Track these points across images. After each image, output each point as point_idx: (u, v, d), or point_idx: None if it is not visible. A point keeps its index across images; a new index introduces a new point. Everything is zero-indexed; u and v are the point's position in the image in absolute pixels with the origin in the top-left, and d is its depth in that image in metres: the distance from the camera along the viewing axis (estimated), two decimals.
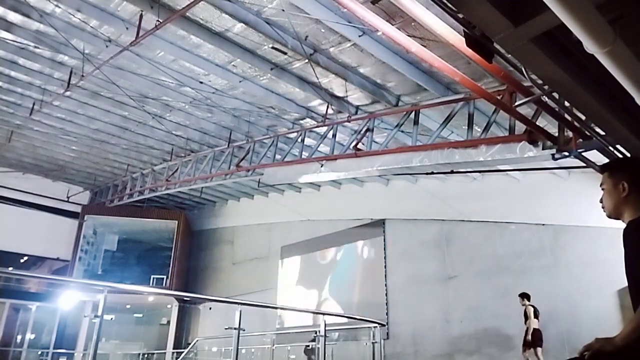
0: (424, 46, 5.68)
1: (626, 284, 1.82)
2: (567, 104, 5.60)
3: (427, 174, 9.91)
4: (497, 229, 11.73)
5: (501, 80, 5.64)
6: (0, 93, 11.44)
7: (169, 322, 18.75)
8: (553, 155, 6.81)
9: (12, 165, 16.91)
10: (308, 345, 12.19)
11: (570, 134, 6.48)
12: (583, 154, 6.55)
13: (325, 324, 6.01)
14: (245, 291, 16.65)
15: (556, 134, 6.75)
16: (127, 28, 8.09)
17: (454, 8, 3.23)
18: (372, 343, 7.00)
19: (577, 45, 3.24)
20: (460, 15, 3.38)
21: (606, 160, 4.81)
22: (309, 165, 10.42)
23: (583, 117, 5.39)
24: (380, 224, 14.26)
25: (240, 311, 4.76)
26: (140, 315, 20.36)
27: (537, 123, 6.80)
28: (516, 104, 6.09)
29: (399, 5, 4.00)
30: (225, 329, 4.82)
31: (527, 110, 7.02)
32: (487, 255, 11.73)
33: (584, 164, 6.78)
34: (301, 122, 11.25)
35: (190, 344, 16.93)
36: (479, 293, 11.52)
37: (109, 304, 3.84)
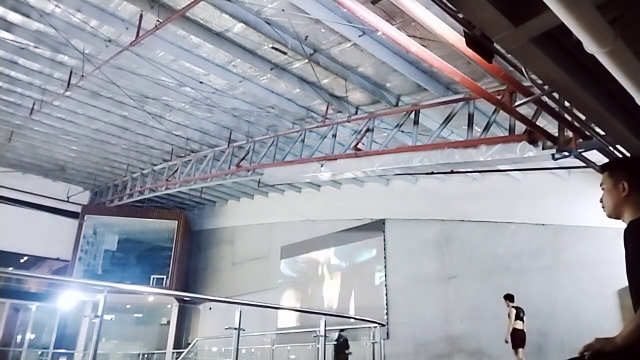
0: (424, 46, 5.68)
1: (626, 284, 1.82)
2: (567, 104, 5.60)
3: (427, 174, 9.91)
4: (497, 229, 11.73)
5: (501, 80, 5.63)
6: (0, 93, 11.43)
7: (169, 322, 18.75)
8: (553, 155, 6.80)
9: (12, 165, 16.89)
10: (340, 337, 11.11)
11: (570, 134, 6.48)
12: (583, 154, 6.55)
13: (325, 324, 6.01)
14: (245, 291, 16.66)
15: (556, 134, 6.75)
16: (127, 28, 8.10)
17: (454, 8, 3.22)
18: (372, 343, 7.01)
19: (577, 45, 3.23)
20: (460, 15, 3.38)
21: (606, 160, 4.81)
22: (309, 165, 10.42)
23: (583, 117, 5.39)
24: (380, 224, 14.26)
25: (240, 311, 4.76)
26: (140, 315, 20.36)
27: (537, 123, 6.80)
28: (516, 104, 6.09)
29: (399, 5, 4.00)
30: (225, 329, 4.82)
31: (527, 110, 7.02)
32: (487, 256, 11.73)
33: (584, 164, 6.78)
34: (301, 122, 11.26)
35: (190, 344, 16.98)
36: (479, 293, 11.51)
37: (109, 304, 3.85)
